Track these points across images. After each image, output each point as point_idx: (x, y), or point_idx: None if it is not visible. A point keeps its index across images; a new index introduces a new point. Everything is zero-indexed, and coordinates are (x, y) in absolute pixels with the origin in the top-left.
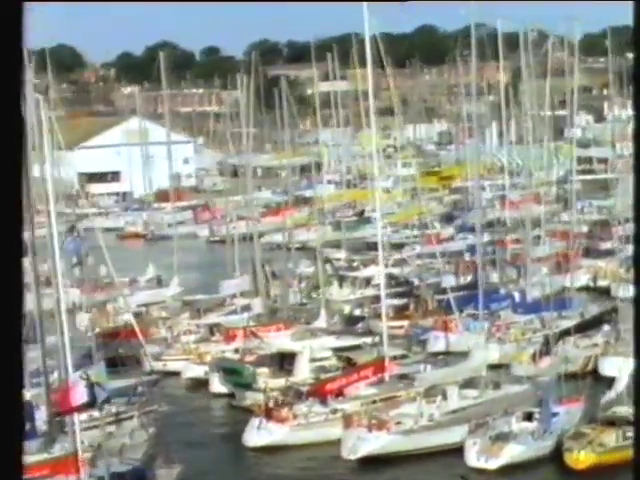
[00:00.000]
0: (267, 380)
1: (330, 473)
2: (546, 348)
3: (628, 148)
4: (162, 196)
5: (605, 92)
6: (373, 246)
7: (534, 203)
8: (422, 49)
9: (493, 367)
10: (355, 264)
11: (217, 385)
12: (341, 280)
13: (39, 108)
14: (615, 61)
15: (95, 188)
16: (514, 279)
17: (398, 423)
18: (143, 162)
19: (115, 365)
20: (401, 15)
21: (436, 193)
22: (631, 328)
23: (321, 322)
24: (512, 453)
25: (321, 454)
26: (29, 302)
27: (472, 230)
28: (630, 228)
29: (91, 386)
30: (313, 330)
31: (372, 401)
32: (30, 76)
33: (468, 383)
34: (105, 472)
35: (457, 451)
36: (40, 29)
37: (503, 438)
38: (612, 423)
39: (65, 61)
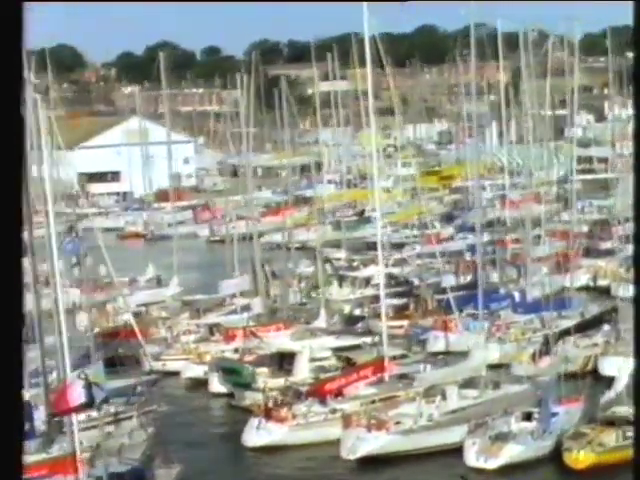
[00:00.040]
0: (266, 380)
1: (329, 473)
2: (546, 348)
3: (628, 148)
4: (162, 196)
5: (606, 92)
6: (373, 246)
7: (534, 203)
8: (422, 49)
9: (493, 367)
10: (355, 264)
11: (216, 385)
12: (341, 280)
13: (37, 108)
14: (615, 61)
15: (95, 188)
16: (514, 279)
17: (397, 423)
18: (143, 162)
19: (115, 365)
20: (401, 15)
21: (436, 193)
22: (631, 328)
23: (321, 322)
24: (511, 453)
25: (320, 454)
26: (28, 302)
27: (472, 230)
28: (630, 228)
29: (89, 386)
30: (313, 330)
31: (371, 401)
32: (29, 76)
33: (468, 383)
34: (104, 472)
35: (456, 451)
36: (40, 29)
37: (502, 438)
38: (612, 423)
39: (66, 61)
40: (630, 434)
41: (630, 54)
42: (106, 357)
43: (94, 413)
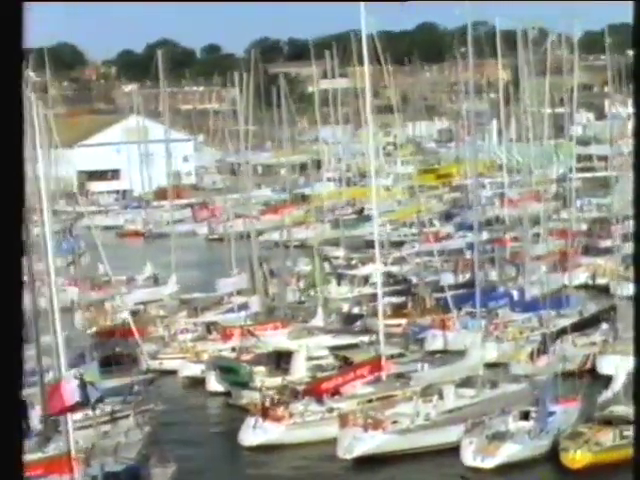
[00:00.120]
0: (263, 379)
1: (325, 472)
2: (544, 347)
3: (627, 146)
4: (161, 194)
5: (606, 90)
6: (372, 244)
7: (533, 201)
8: (422, 47)
9: (491, 366)
10: (353, 262)
11: (214, 384)
12: (339, 278)
13: (31, 106)
14: (613, 59)
15: (95, 186)
16: (513, 277)
17: (394, 422)
18: (142, 160)
19: (112, 364)
20: (401, 14)
21: (436, 191)
22: (629, 326)
23: (318, 321)
24: (508, 452)
25: (317, 453)
26: (24, 301)
27: (471, 228)
28: (629, 226)
29: (84, 385)
30: (310, 329)
31: (368, 400)
32: (26, 74)
33: (465, 382)
34: (99, 472)
35: (453, 451)
36: (40, 28)
37: (499, 437)
38: (609, 422)
39: (66, 59)
40: (627, 433)
41: (630, 52)
42: (104, 356)
43: (90, 412)
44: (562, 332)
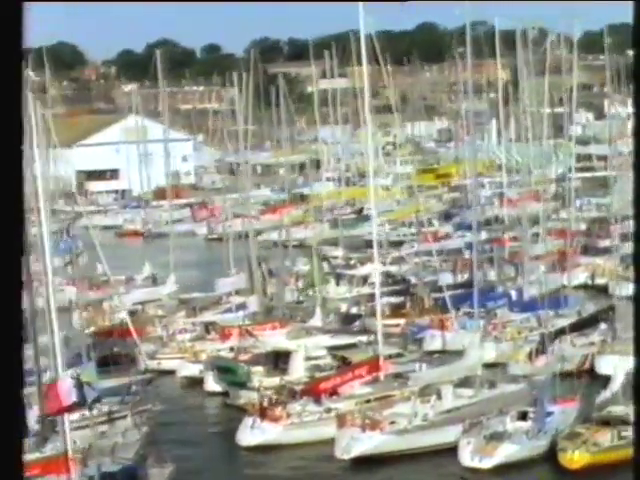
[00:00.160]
0: (262, 379)
1: (323, 473)
2: (542, 347)
3: (627, 145)
4: (161, 194)
5: (605, 89)
6: (371, 244)
7: (533, 201)
8: (422, 46)
9: (489, 366)
10: (352, 262)
11: (212, 384)
12: (338, 278)
13: (29, 106)
14: (612, 58)
15: (94, 186)
16: (512, 277)
17: (392, 423)
18: (141, 160)
19: (110, 364)
20: (401, 14)
21: (435, 191)
22: (628, 326)
23: (316, 320)
24: (506, 452)
25: (314, 453)
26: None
27: (470, 228)
28: (628, 226)
29: (80, 386)
30: (308, 328)
31: (366, 400)
32: (25, 74)
33: (463, 382)
34: (96, 472)
35: (451, 451)
36: (40, 28)
37: (497, 437)
38: (607, 423)
39: (66, 59)
40: (625, 434)
41: (630, 51)
42: (102, 356)
43: (87, 412)
44: (560, 332)
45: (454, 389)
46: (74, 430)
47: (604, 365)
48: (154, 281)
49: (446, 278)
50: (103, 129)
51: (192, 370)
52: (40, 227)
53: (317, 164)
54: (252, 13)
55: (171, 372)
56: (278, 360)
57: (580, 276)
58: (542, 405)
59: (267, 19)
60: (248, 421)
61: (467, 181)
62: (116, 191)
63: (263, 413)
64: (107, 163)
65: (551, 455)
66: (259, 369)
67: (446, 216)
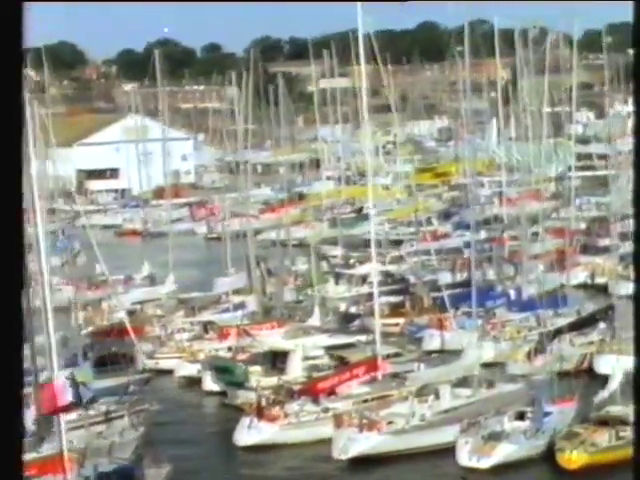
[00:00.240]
0: (259, 379)
1: (320, 473)
2: (541, 346)
3: (626, 144)
4: (160, 193)
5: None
6: (370, 243)
7: (532, 200)
8: (423, 46)
9: (488, 365)
10: (351, 261)
11: (210, 383)
12: (337, 277)
13: (26, 105)
14: (612, 57)
15: (94, 185)
16: (511, 276)
17: (390, 423)
18: (141, 159)
19: (109, 363)
20: (401, 14)
21: (435, 190)
22: (626, 326)
23: (315, 320)
24: (504, 452)
25: (312, 454)
26: None
27: (470, 227)
28: (628, 225)
29: (76, 386)
30: (306, 328)
31: (364, 400)
32: (25, 74)
33: (461, 382)
34: (92, 472)
35: (449, 451)
36: (40, 27)
37: (495, 437)
38: (605, 423)
39: (66, 58)
40: (623, 434)
41: (630, 50)
42: (100, 355)
43: (83, 412)
44: (559, 332)
45: (452, 389)
46: (71, 430)
47: (603, 364)
48: (152, 281)
49: (445, 277)
50: (103, 128)
51: (190, 370)
52: (36, 227)
53: (317, 163)
54: (253, 12)
55: (169, 372)
56: (276, 360)
57: (580, 275)
58: (540, 405)
59: (268, 18)
60: (245, 421)
61: (466, 180)
62: (116, 190)
63: (260, 413)
64: (107, 162)
65: (549, 455)
66: (257, 369)
67: (446, 215)
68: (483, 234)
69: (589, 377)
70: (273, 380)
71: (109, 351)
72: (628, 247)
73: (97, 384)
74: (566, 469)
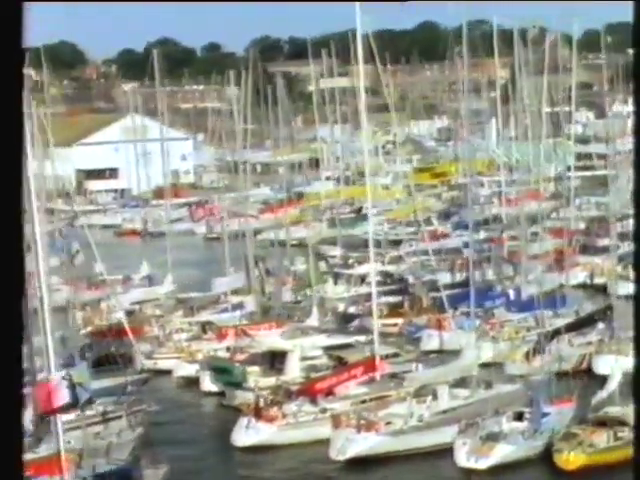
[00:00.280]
0: (257, 379)
1: (318, 473)
2: (540, 346)
3: (624, 144)
4: (160, 193)
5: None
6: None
7: (532, 200)
8: (423, 46)
9: (486, 366)
10: (350, 261)
11: (208, 384)
12: (336, 277)
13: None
14: (611, 57)
15: (93, 185)
16: (510, 276)
17: (388, 423)
18: (139, 159)
19: (107, 363)
20: (401, 14)
21: (435, 190)
22: (625, 326)
23: (313, 320)
24: (502, 453)
25: (310, 454)
26: None
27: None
28: (627, 225)
29: (72, 386)
30: (304, 328)
31: (362, 401)
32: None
33: (459, 383)
34: (89, 473)
35: (447, 451)
36: (41, 27)
37: (493, 438)
38: (603, 423)
39: (66, 58)
40: (622, 435)
41: (630, 50)
42: (99, 355)
43: (86, 412)
44: (558, 332)
45: (450, 389)
46: (69, 431)
47: (602, 365)
48: (151, 281)
49: (444, 277)
50: (103, 128)
51: (188, 370)
52: (33, 226)
53: (317, 163)
54: (253, 12)
55: (167, 372)
56: (274, 360)
57: (579, 275)
58: (538, 405)
59: (268, 18)
60: (243, 421)
61: (464, 180)
62: (115, 190)
63: (258, 413)
64: (106, 162)
65: (547, 456)
66: (255, 369)
67: (446, 215)
68: (482, 234)
69: (588, 377)
70: (271, 380)
71: (107, 351)
72: (627, 247)
73: (95, 384)
74: (564, 470)
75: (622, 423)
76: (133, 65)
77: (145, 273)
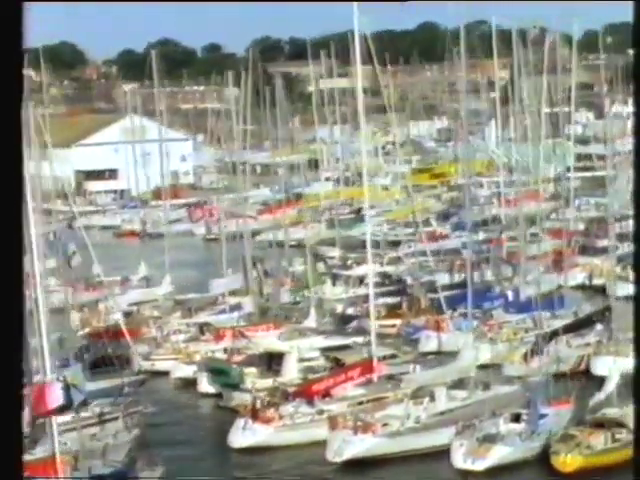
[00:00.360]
0: (255, 380)
1: (315, 475)
2: (538, 348)
3: (626, 145)
4: (159, 194)
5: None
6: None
7: (531, 200)
8: (423, 46)
9: (484, 367)
10: (349, 262)
11: (205, 385)
12: (334, 278)
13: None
14: (611, 58)
15: (92, 185)
16: (509, 277)
17: (385, 425)
18: (137, 160)
19: (105, 364)
20: (401, 14)
21: (434, 190)
22: (623, 327)
23: (311, 321)
24: (499, 454)
25: (306, 456)
26: None
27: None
28: (627, 226)
29: (67, 388)
30: (302, 330)
31: (359, 402)
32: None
33: (457, 384)
34: (85, 474)
35: (444, 453)
36: (41, 27)
37: (490, 439)
38: (601, 425)
39: (66, 58)
40: (619, 437)
41: (630, 51)
42: (96, 357)
43: (82, 414)
44: (555, 333)
45: (447, 391)
46: (65, 432)
47: (600, 366)
48: (148, 282)
49: (443, 278)
50: (102, 129)
51: (186, 371)
52: (28, 228)
53: (316, 164)
54: (253, 12)
55: (165, 373)
56: (271, 361)
57: (578, 276)
58: (535, 407)
59: (268, 18)
60: (240, 422)
61: (463, 180)
62: (115, 191)
63: (255, 414)
64: (106, 163)
65: (544, 457)
66: (252, 370)
67: (445, 216)
68: (481, 235)
69: (586, 379)
70: (268, 382)
71: (105, 352)
72: (627, 248)
73: (92, 386)
74: (561, 472)
75: (620, 425)
76: (133, 66)
77: (143, 274)
